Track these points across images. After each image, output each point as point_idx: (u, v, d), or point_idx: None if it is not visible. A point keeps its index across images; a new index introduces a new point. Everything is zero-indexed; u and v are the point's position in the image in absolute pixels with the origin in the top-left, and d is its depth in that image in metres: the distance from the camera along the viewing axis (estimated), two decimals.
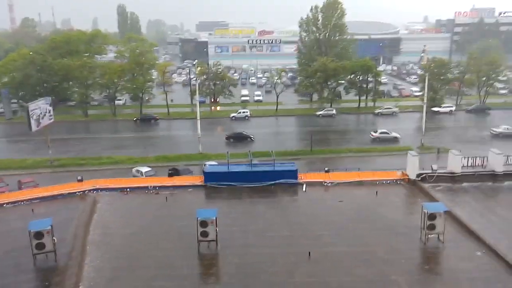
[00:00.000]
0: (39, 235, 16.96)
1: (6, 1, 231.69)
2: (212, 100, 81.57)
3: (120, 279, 16.44)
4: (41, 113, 47.61)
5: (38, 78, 75.50)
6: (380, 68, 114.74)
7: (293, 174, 25.69)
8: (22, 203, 23.44)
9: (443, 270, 17.07)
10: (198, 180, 26.11)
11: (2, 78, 77.07)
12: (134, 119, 72.54)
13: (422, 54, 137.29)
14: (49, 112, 49.26)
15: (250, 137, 59.76)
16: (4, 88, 72.32)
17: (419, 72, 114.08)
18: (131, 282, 16.26)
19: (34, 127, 46.28)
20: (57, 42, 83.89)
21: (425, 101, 56.49)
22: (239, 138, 59.60)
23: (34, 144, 57.40)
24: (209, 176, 25.51)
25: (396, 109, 75.94)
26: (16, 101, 76.74)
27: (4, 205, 23.26)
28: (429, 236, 18.56)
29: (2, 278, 16.31)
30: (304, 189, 24.93)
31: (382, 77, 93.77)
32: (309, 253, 17.71)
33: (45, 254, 17.26)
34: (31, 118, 45.35)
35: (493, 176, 25.48)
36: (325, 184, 25.65)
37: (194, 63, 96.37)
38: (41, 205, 23.04)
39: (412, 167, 25.65)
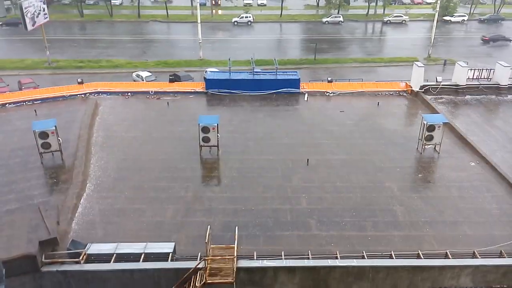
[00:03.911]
0: (44, 135, 17.35)
1: None
2: (214, 2, 77.46)
3: (126, 179, 17.17)
4: (35, 11, 45.47)
5: None
6: None
7: (296, 83, 25.45)
8: (24, 103, 23.59)
9: (435, 178, 17.73)
10: (199, 86, 25.95)
11: None
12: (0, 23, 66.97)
13: None
14: (44, 10, 47.00)
15: (511, 40, 58.33)
16: None
17: None
18: (137, 182, 17.00)
19: (29, 26, 44.51)
20: None
21: (437, 9, 53.59)
22: (498, 40, 58.62)
23: (30, 44, 55.82)
24: (210, 83, 25.29)
25: (406, 18, 72.49)
26: None
27: (7, 105, 23.43)
28: (426, 146, 19.01)
29: (11, 174, 17.02)
30: (305, 98, 24.86)
31: None
32: (307, 160, 18.26)
33: (52, 153, 17.83)
34: (25, 17, 43.39)
35: (498, 89, 25.34)
36: (327, 94, 25.55)
37: None
38: (43, 106, 23.20)
39: (417, 78, 25.32)
